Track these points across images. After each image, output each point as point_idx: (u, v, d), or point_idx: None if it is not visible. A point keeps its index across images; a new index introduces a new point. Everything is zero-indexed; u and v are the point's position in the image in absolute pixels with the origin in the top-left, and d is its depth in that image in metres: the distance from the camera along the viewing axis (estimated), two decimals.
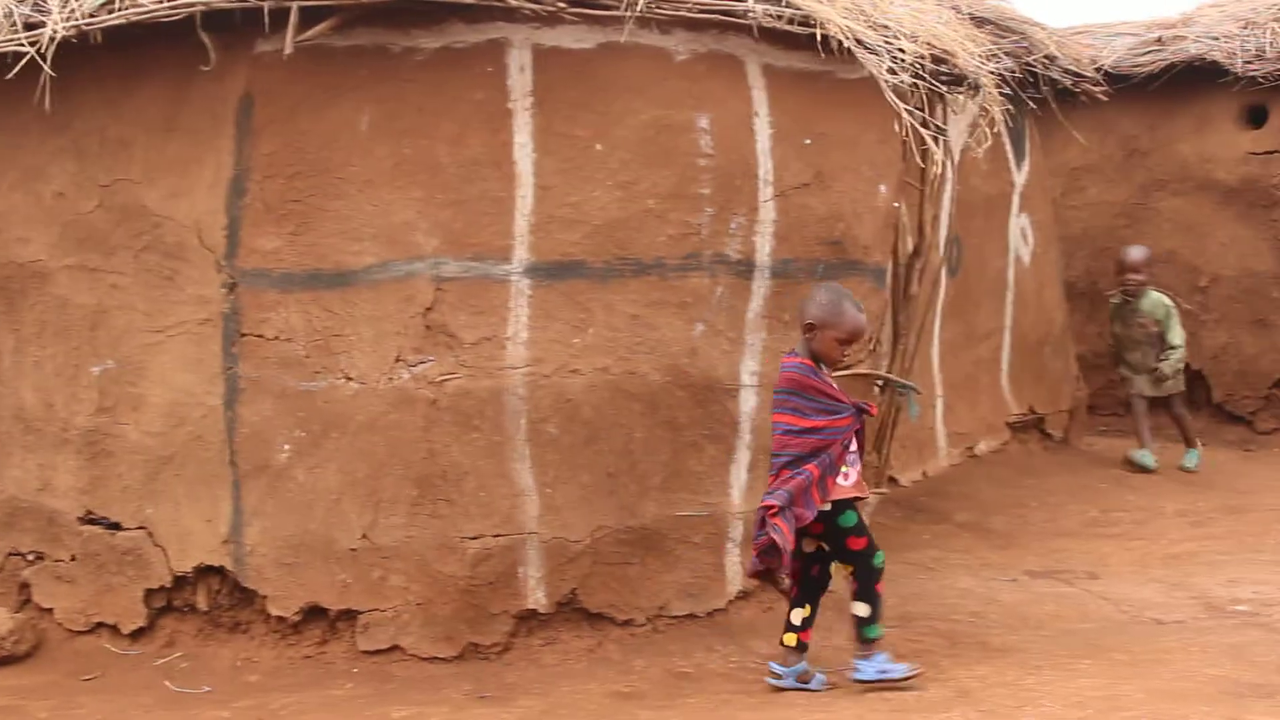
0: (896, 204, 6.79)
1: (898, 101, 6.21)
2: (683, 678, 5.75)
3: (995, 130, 7.53)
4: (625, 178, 5.84)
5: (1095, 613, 6.66)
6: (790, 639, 5.60)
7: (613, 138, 5.82)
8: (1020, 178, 10.21)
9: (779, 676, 5.54)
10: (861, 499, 5.65)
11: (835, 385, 5.58)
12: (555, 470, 5.81)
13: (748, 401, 6.22)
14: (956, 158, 8.21)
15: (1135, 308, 9.82)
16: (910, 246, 7.25)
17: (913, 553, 7.65)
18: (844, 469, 5.51)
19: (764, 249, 6.19)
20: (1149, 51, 11.97)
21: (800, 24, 5.98)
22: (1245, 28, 11.76)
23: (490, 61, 5.71)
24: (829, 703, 5.36)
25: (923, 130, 6.41)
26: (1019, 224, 10.23)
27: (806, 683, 5.55)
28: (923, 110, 6.51)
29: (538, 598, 5.87)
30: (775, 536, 5.32)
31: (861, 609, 5.53)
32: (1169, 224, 12.17)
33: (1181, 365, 10.20)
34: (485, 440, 5.73)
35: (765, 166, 6.17)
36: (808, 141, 6.28)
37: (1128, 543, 8.11)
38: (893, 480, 8.12)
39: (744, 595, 6.31)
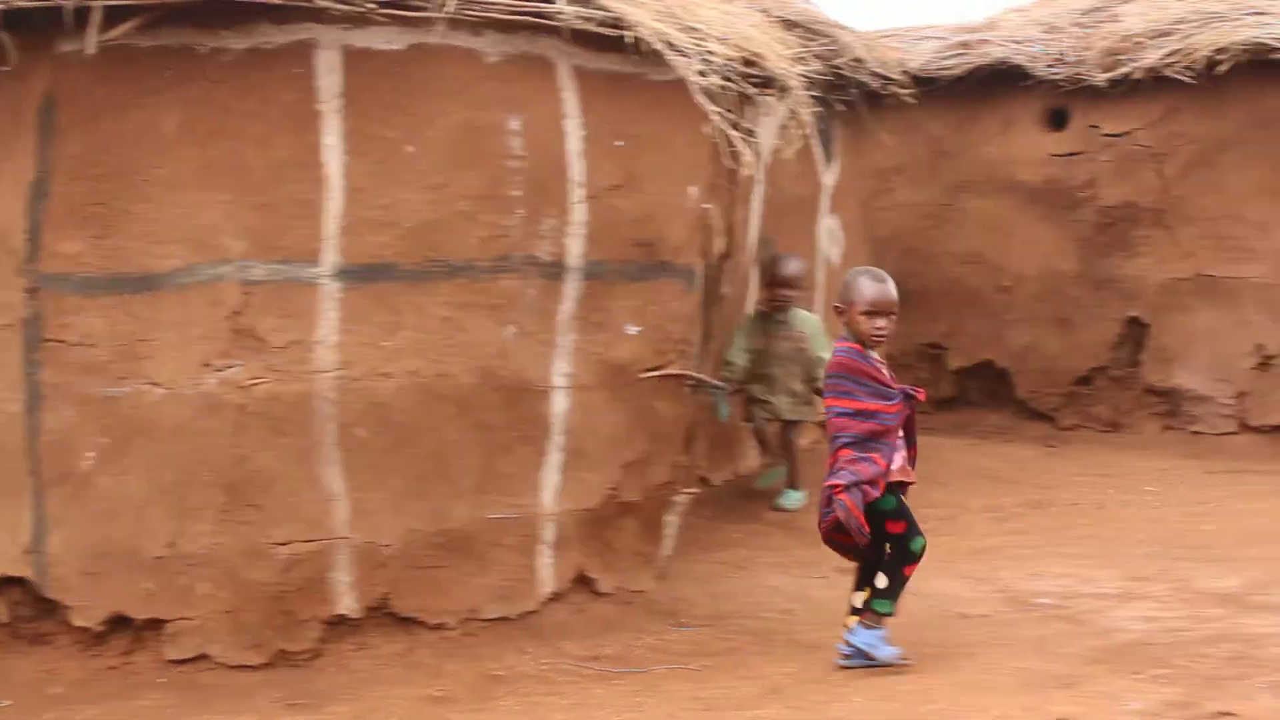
0: (707, 205, 6.89)
1: (708, 103, 6.34)
2: (495, 680, 5.79)
3: (804, 132, 7.71)
4: (436, 180, 5.88)
5: (903, 608, 6.80)
6: (852, 621, 5.75)
7: (424, 139, 5.85)
8: (829, 179, 10.41)
9: (846, 656, 5.71)
10: (906, 484, 5.86)
11: (885, 371, 5.72)
12: (366, 474, 5.83)
13: (559, 403, 6.29)
14: (766, 159, 8.37)
15: (784, 321, 8.56)
16: (721, 247, 7.37)
17: (724, 552, 7.76)
18: None
19: (575, 251, 6.26)
20: (954, 55, 12.29)
21: (611, 26, 6.07)
22: (1047, 32, 12.15)
23: (299, 63, 5.70)
24: (640, 703, 5.46)
25: (732, 132, 6.55)
26: (828, 225, 10.42)
27: (872, 659, 5.69)
28: (733, 112, 6.65)
29: (348, 603, 5.89)
30: (840, 513, 5.51)
31: (881, 580, 5.75)
32: (975, 224, 12.50)
33: None
34: (295, 445, 5.73)
35: (576, 168, 6.25)
36: (619, 143, 6.37)
37: (935, 539, 8.20)
38: (704, 480, 8.24)
39: (556, 597, 6.39)
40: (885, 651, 5.65)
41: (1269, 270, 11.28)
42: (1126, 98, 11.59)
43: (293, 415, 5.72)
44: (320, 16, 5.60)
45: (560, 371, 6.29)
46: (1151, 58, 11.33)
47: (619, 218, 6.39)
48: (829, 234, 10.42)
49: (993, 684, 5.40)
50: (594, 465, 6.45)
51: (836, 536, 5.64)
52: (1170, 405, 11.80)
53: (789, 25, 8.80)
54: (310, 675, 5.76)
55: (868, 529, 5.61)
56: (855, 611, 5.76)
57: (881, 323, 5.68)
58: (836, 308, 5.73)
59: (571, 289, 6.28)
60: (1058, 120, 12.18)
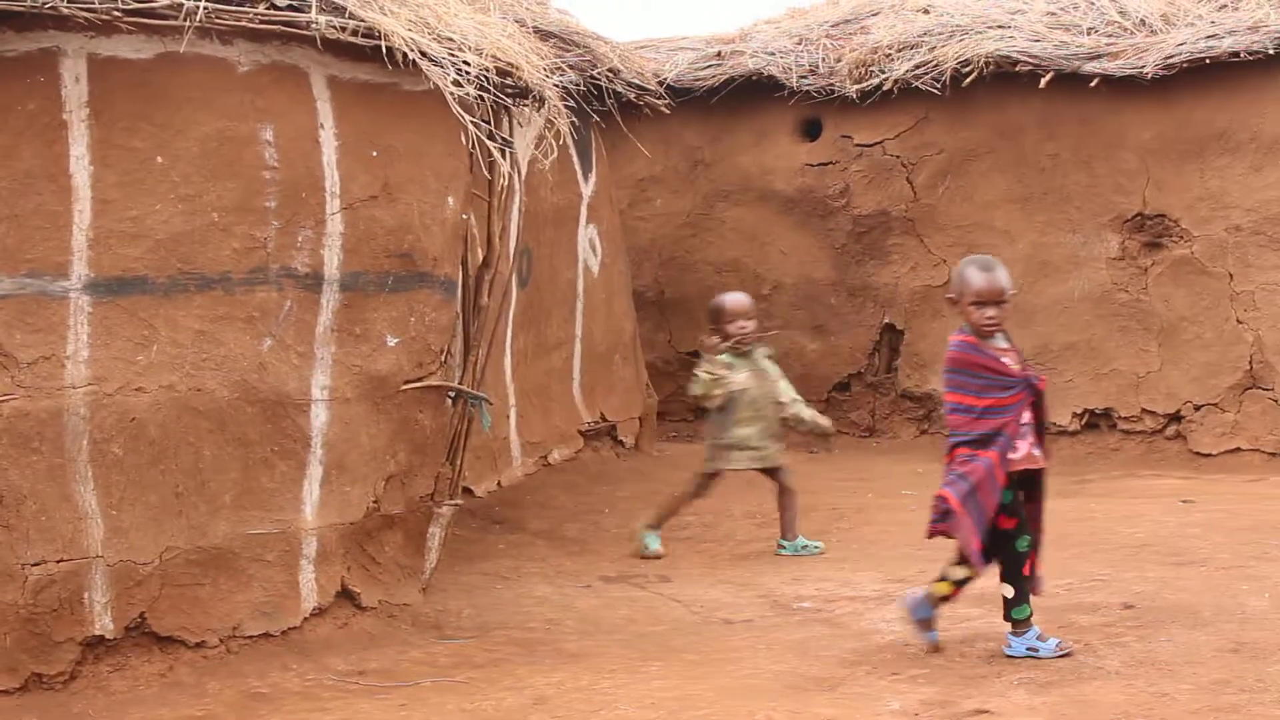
0: (465, 215, 6.97)
1: (463, 114, 6.41)
2: (258, 698, 5.74)
3: (561, 142, 7.80)
4: (188, 191, 5.83)
5: (667, 615, 6.94)
6: (941, 587, 5.85)
7: (174, 150, 5.81)
8: (588, 189, 10.55)
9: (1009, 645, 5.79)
10: (1036, 470, 5.82)
11: (1002, 359, 5.70)
12: (121, 491, 5.77)
13: (319, 416, 6.30)
14: (524, 170, 8.46)
15: (754, 359, 8.27)
16: (480, 258, 7.42)
17: (489, 563, 7.83)
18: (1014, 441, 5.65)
19: (332, 262, 6.28)
20: (709, 66, 12.55)
21: (364, 36, 6.09)
22: (799, 43, 12.47)
23: (43, 71, 5.60)
24: (407, 716, 5.47)
25: (489, 142, 6.64)
26: (587, 235, 10.56)
27: (928, 630, 5.86)
28: (489, 122, 6.73)
29: (105, 623, 5.81)
30: (959, 540, 5.62)
31: (1007, 590, 5.79)
32: (733, 233, 12.78)
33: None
34: (45, 463, 5.63)
35: (332, 179, 6.26)
36: (375, 153, 6.40)
37: (698, 545, 8.47)
38: (468, 491, 8.28)
39: (319, 612, 6.37)
40: (1047, 648, 5.71)
41: (1016, 276, 11.65)
42: (877, 108, 11.98)
43: (43, 432, 5.63)
44: (65, 24, 5.52)
45: (319, 384, 6.29)
46: (900, 70, 11.72)
47: (376, 228, 6.41)
48: (588, 244, 10.55)
49: (756, 688, 5.55)
50: (355, 478, 6.46)
51: (941, 528, 5.71)
52: (925, 410, 12.20)
53: (544, 36, 8.91)
54: (67, 699, 5.66)
55: (979, 548, 5.65)
56: (945, 579, 5.86)
57: (992, 311, 5.68)
58: (949, 299, 5.82)
59: (329, 301, 6.29)
60: (811, 130, 12.52)
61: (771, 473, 8.39)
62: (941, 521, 5.70)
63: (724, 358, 8.14)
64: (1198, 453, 11.08)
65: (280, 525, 6.21)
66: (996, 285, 5.71)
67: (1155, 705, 5.04)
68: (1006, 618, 5.83)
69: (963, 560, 5.78)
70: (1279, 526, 8.03)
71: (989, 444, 5.61)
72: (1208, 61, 10.90)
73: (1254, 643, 5.69)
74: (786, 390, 8.42)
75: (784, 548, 8.25)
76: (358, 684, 5.91)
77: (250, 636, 6.15)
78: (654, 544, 8.22)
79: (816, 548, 8.26)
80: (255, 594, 6.16)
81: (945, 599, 5.91)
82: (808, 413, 8.54)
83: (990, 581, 7.08)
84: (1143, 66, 11.01)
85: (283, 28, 5.94)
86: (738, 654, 6.11)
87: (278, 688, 5.87)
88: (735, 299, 8.29)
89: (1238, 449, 10.99)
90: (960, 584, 5.87)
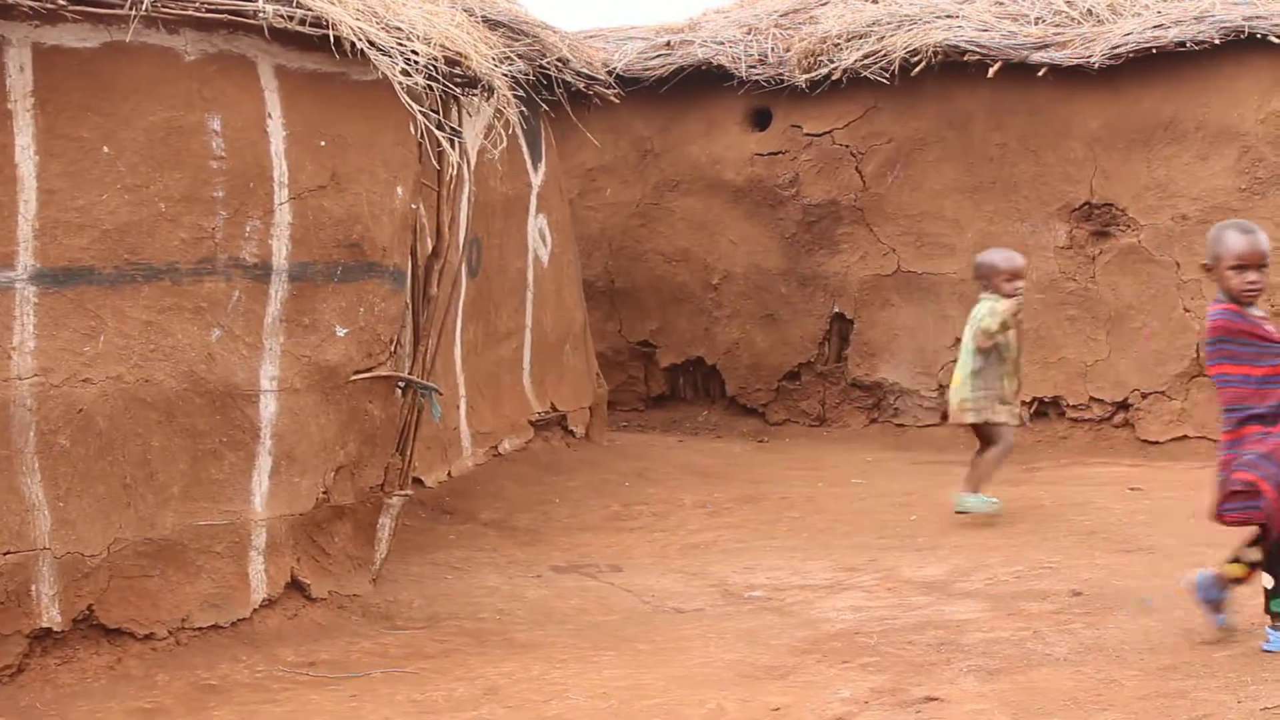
0: (414, 205, 6.98)
1: (412, 104, 6.43)
2: (208, 690, 5.74)
3: (511, 132, 7.83)
4: (135, 181, 5.82)
5: (619, 605, 6.98)
6: (1234, 569, 5.58)
7: (121, 140, 5.79)
8: (537, 179, 10.56)
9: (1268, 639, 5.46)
10: None
11: (1268, 326, 5.43)
12: (68, 483, 5.75)
13: (268, 407, 6.30)
14: (473, 159, 8.48)
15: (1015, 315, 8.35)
16: (429, 248, 7.42)
17: (439, 553, 7.84)
18: None
19: (281, 252, 6.28)
20: (659, 55, 12.57)
21: (312, 25, 6.09)
22: (749, 33, 12.50)
23: None
24: (357, 707, 5.50)
25: (438, 132, 6.66)
26: (537, 225, 10.57)
27: (1217, 612, 5.61)
28: (438, 112, 6.75)
29: (52, 615, 5.78)
30: (1265, 509, 5.27)
31: (1267, 580, 5.49)
32: (682, 223, 12.81)
33: None
34: None
35: (280, 169, 6.26)
36: (323, 143, 6.40)
37: (649, 535, 8.50)
38: (418, 481, 8.28)
39: (269, 603, 6.38)
40: None
41: (965, 266, 11.76)
42: (826, 98, 12.03)
43: None
44: (9, 12, 5.46)
45: (268, 375, 6.29)
46: (849, 59, 11.77)
47: (325, 218, 6.42)
48: (538, 234, 10.56)
49: (708, 677, 5.60)
50: (305, 469, 6.47)
51: (1231, 517, 5.43)
52: (875, 399, 12.26)
53: (493, 25, 8.90)
54: (14, 692, 5.63)
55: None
56: (1236, 561, 5.56)
57: (1253, 276, 5.42)
58: (1205, 266, 5.62)
59: (278, 291, 6.29)
60: (761, 120, 12.56)
61: (1003, 428, 8.44)
62: (1242, 508, 5.39)
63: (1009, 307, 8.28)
64: (1145, 440, 11.17)
65: (229, 516, 6.21)
66: (1259, 248, 5.47)
67: (1104, 691, 5.10)
68: (1267, 610, 5.50)
69: (1256, 542, 5.50)
70: None
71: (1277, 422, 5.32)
72: (1154, 51, 10.98)
73: (1201, 628, 5.75)
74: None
75: (975, 503, 8.32)
76: (308, 675, 5.92)
77: (199, 628, 6.15)
78: (979, 505, 8.33)
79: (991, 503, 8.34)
80: (204, 585, 6.15)
81: (1238, 581, 5.60)
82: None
83: (937, 570, 7.18)
84: (1090, 56, 11.09)
85: (230, 17, 5.95)
86: (689, 643, 6.15)
87: (227, 679, 5.87)
88: (1010, 257, 8.45)
89: (1185, 436, 11.08)
90: (1254, 566, 5.54)
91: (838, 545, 7.99)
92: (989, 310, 8.23)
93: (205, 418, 6.09)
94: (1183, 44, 10.90)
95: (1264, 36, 10.72)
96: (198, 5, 5.83)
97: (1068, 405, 11.58)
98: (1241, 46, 10.86)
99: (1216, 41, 10.83)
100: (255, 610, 6.34)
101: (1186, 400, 11.13)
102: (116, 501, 5.87)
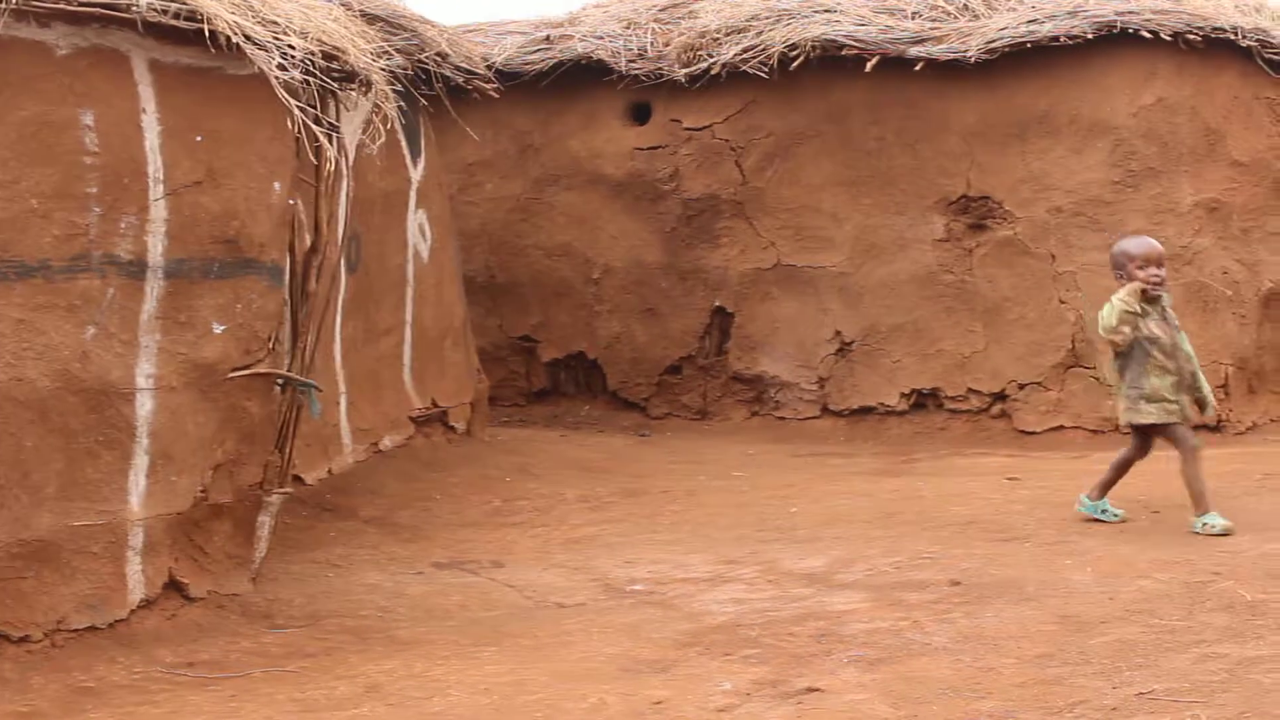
0: (292, 201, 6.94)
1: (289, 98, 6.40)
2: (85, 693, 5.67)
3: (389, 127, 7.80)
4: (5, 177, 5.74)
5: (501, 600, 6.98)
6: None
7: None
8: (417, 174, 10.53)
9: None
10: None
11: None
12: None
13: (145, 405, 6.24)
14: (352, 155, 8.44)
15: (1167, 309, 7.74)
16: (307, 244, 7.40)
17: (320, 551, 7.79)
18: None
19: (156, 249, 6.23)
20: (538, 50, 12.59)
21: (187, 19, 6.04)
22: (628, 28, 12.56)
23: None
24: (238, 707, 5.48)
25: (315, 127, 6.62)
26: (417, 220, 10.54)
27: None
28: (315, 107, 6.72)
29: None
30: None
31: None
32: (563, 217, 12.84)
33: None
34: None
35: (155, 164, 6.21)
36: (199, 139, 6.35)
37: (531, 530, 8.51)
38: (297, 479, 8.22)
39: (147, 604, 6.32)
40: None
41: (844, 259, 11.95)
42: (706, 92, 12.12)
43: None
44: None
45: (145, 373, 6.24)
46: (728, 54, 11.86)
47: (201, 214, 6.38)
48: (418, 229, 10.54)
49: (590, 672, 5.62)
50: (183, 468, 6.42)
51: None
52: (756, 392, 12.37)
53: (371, 19, 8.88)
54: None
55: None
56: None
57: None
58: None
59: (154, 288, 6.24)
60: (640, 115, 12.62)
61: (1167, 429, 7.67)
62: None
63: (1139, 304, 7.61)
64: (1022, 431, 11.37)
65: (105, 516, 6.15)
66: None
67: (982, 679, 5.19)
68: None
69: None
70: None
71: None
72: (1029, 46, 11.19)
73: (1077, 616, 5.88)
74: (1187, 343, 7.81)
75: (1201, 525, 7.42)
76: (187, 676, 5.88)
77: (76, 630, 6.07)
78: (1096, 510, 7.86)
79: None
80: (80, 586, 6.09)
81: None
82: (1205, 383, 7.81)
83: (818, 562, 7.26)
84: (966, 51, 11.26)
85: (103, 10, 5.87)
86: (571, 638, 6.17)
87: (104, 681, 5.80)
88: (1146, 244, 7.78)
89: (1061, 427, 11.29)
90: None
91: (719, 538, 8.04)
92: (1108, 308, 7.62)
93: (80, 417, 6.02)
94: (1056, 39, 11.11)
95: (1135, 31, 10.96)
96: None
97: (946, 396, 11.75)
98: (1114, 41, 11.09)
99: (1089, 36, 11.05)
100: (133, 611, 6.27)
101: (1062, 391, 11.34)
102: None
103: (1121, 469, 7.88)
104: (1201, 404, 7.72)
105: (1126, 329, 7.54)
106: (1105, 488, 7.89)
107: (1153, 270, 7.56)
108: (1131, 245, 7.76)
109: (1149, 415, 7.59)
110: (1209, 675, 5.01)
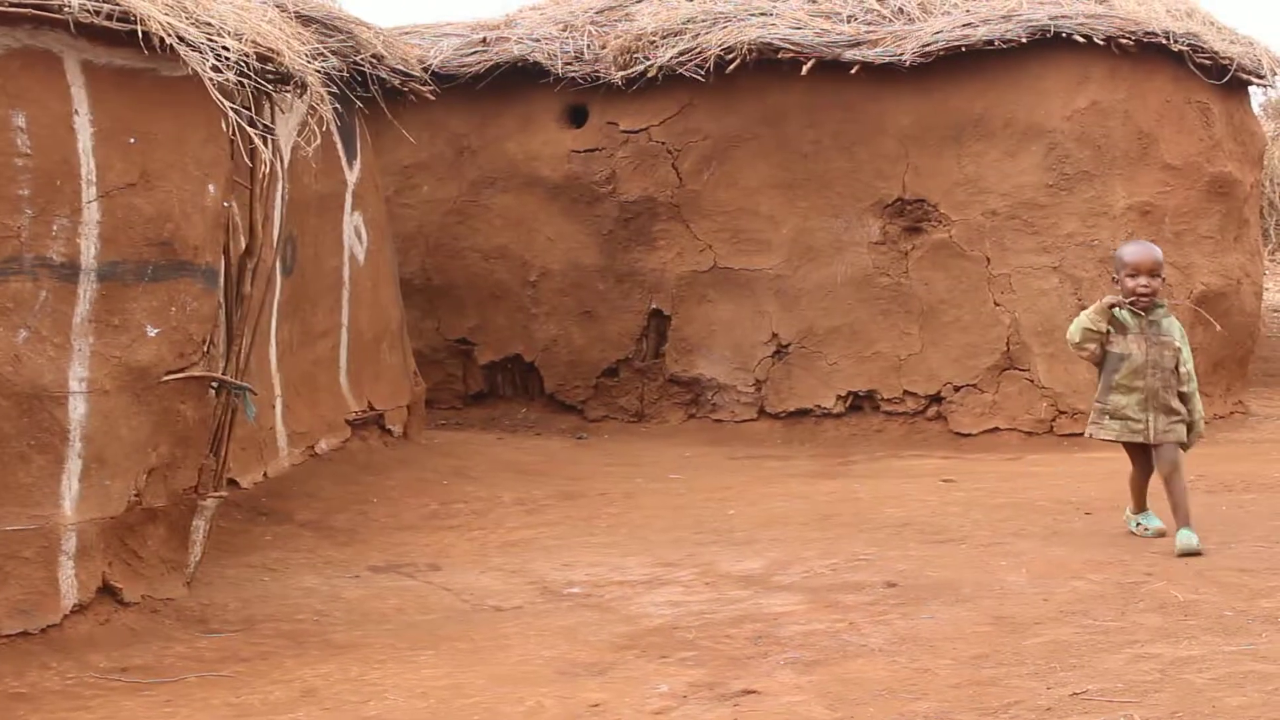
0: (227, 203, 6.91)
1: (223, 100, 6.38)
2: (17, 699, 5.63)
3: (325, 129, 7.79)
4: None
5: (437, 604, 6.97)
6: None
7: None
8: (353, 176, 10.51)
9: None
10: None
11: None
12: None
13: (77, 409, 6.20)
14: (287, 157, 8.42)
15: (1155, 322, 7.20)
16: (242, 246, 7.37)
17: (255, 555, 7.77)
18: None
19: (89, 251, 6.19)
20: (475, 52, 12.59)
21: (120, 20, 6.01)
22: (565, 30, 12.57)
23: None
24: (172, 713, 5.45)
25: (250, 129, 6.61)
26: (353, 222, 10.51)
27: None
28: (249, 109, 6.70)
29: None
30: None
31: None
32: (500, 220, 12.84)
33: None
34: None
35: (88, 166, 6.18)
36: (132, 140, 6.32)
37: (468, 533, 8.50)
38: (233, 483, 8.19)
39: (80, 609, 6.28)
40: None
41: (781, 262, 12.00)
42: (642, 95, 12.15)
43: None
44: None
45: (77, 376, 6.20)
46: (664, 56, 11.90)
47: (135, 217, 6.34)
48: (354, 231, 10.52)
49: (527, 675, 5.62)
50: (116, 471, 6.38)
51: None
52: (693, 394, 12.41)
53: (306, 21, 8.86)
54: None
55: None
56: None
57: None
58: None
59: (87, 291, 6.21)
60: (577, 117, 12.64)
61: (1147, 450, 7.27)
62: None
63: (1121, 313, 7.17)
64: (958, 433, 11.46)
65: (38, 521, 6.10)
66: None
67: (918, 680, 5.22)
68: None
69: None
70: (1035, 504, 8.36)
71: None
72: (963, 49, 11.28)
73: (1012, 617, 5.92)
74: (1187, 360, 7.26)
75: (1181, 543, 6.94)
76: (120, 681, 5.85)
77: (8, 636, 6.02)
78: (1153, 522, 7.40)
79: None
80: (12, 592, 6.04)
81: None
82: (1200, 406, 7.33)
83: (755, 564, 7.29)
84: (901, 54, 11.34)
85: (34, 11, 5.85)
86: (508, 641, 6.16)
87: (37, 687, 5.76)
88: (1135, 251, 7.31)
89: (996, 429, 11.39)
90: None
91: (656, 541, 8.06)
92: (1075, 323, 7.33)
93: (12, 420, 5.98)
94: (991, 42, 11.21)
95: (1069, 35, 11.07)
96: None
97: (882, 399, 11.83)
98: (1048, 45, 11.20)
99: (1024, 40, 11.16)
100: (66, 616, 6.23)
101: (997, 393, 11.43)
102: None
103: (1137, 485, 7.48)
104: (1189, 427, 7.26)
105: (1091, 346, 7.25)
106: (1140, 502, 7.49)
107: (1142, 280, 7.13)
108: (1126, 251, 7.34)
109: (1109, 431, 7.31)
110: (1142, 675, 5.06)
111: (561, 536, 8.36)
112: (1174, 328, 7.26)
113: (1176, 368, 7.21)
